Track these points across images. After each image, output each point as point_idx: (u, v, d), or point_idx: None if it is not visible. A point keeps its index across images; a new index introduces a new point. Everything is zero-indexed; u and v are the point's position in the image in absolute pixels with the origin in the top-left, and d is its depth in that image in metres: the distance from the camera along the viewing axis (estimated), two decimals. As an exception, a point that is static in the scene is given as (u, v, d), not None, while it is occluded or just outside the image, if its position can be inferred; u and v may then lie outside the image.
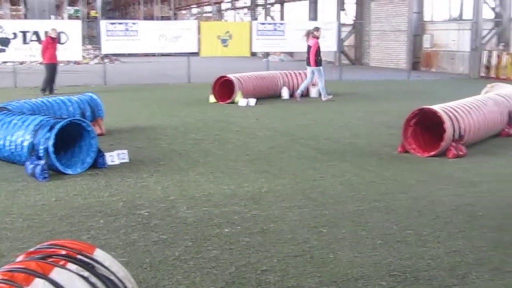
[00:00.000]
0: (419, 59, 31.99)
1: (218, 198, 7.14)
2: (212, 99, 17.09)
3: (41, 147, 8.20)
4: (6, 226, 6.16)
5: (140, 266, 5.05)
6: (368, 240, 5.77)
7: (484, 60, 26.59)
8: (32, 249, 3.38)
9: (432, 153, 9.54)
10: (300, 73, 19.09)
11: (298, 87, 18.47)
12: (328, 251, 5.47)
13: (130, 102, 17.18)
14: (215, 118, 13.90)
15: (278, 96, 18.27)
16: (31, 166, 8.15)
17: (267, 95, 18.04)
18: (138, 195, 7.29)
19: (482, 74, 26.52)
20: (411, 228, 6.10)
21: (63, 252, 3.26)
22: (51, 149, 8.13)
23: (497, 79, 23.79)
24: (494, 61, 26.17)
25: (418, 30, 31.90)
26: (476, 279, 4.87)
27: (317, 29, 18.10)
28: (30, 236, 5.81)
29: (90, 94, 11.86)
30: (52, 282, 2.96)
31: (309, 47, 17.49)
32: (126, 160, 9.05)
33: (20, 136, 8.66)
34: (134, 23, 24.45)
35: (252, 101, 16.55)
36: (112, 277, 3.25)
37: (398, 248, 5.55)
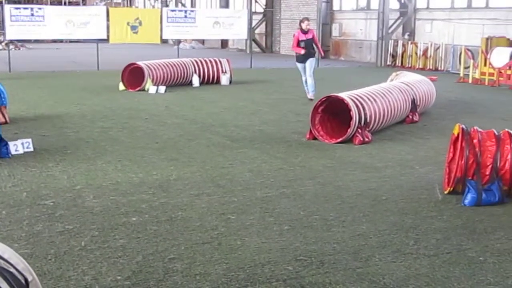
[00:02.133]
0: (328, 48, 32.51)
1: (126, 187, 7.06)
2: (121, 86, 16.83)
3: None
4: None
5: (44, 258, 4.93)
6: (275, 226, 5.85)
7: (390, 49, 27.35)
8: None
9: (339, 139, 9.75)
10: (211, 61, 19.04)
11: (208, 75, 18.45)
12: (236, 237, 5.51)
13: (36, 90, 16.67)
14: (124, 106, 13.69)
15: (188, 83, 18.18)
16: None
17: (177, 82, 17.92)
18: (43, 185, 7.11)
19: (388, 63, 27.28)
20: (318, 214, 6.23)
21: (-41, 245, 3.14)
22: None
23: (403, 67, 24.61)
24: (399, 50, 26.95)
25: (327, 19, 32.42)
26: (379, 262, 5.03)
27: (303, 20, 15.15)
28: None
29: (-8, 81, 11.45)
30: None
31: (309, 39, 14.97)
32: (31, 149, 8.79)
33: None
34: (40, 8, 23.65)
35: (162, 89, 16.41)
36: (12, 269, 3.16)
37: (304, 233, 5.66)
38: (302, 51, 14.85)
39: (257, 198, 6.73)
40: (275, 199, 6.72)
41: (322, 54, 16.42)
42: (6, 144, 8.54)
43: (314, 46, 15.09)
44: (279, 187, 7.19)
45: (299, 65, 15.12)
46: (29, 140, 8.92)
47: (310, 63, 14.92)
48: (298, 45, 14.94)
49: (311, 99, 14.37)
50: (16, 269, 3.18)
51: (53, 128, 10.81)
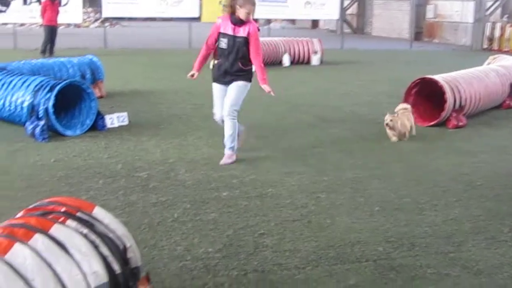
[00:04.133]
0: (421, 30, 31.79)
1: (217, 162, 7.15)
2: (212, 65, 17.00)
3: (41, 107, 8.18)
4: (5, 185, 6.18)
5: (138, 227, 5.07)
6: (366, 206, 5.79)
7: (487, 31, 26.42)
8: (31, 206, 3.40)
9: (432, 122, 9.54)
10: (302, 40, 18.97)
11: (299, 54, 18.40)
12: (325, 216, 5.50)
13: (130, 66, 17.10)
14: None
15: (279, 63, 18.17)
16: (31, 126, 8.15)
17: (268, 62, 17.95)
18: (137, 157, 7.30)
19: (485, 46, 26.40)
20: (409, 196, 6.12)
21: (63, 209, 3.28)
22: (51, 110, 8.12)
23: (500, 51, 23.67)
24: (497, 33, 26.01)
25: (421, 0, 31.66)
26: (472, 247, 4.90)
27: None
28: (29, 195, 5.81)
29: (91, 56, 11.80)
30: (51, 237, 2.98)
31: (238, 39, 8.77)
32: (126, 123, 9.04)
33: (20, 97, 8.63)
34: (134, -14, 24.20)
35: (252, 68, 16.46)
36: (111, 235, 3.27)
37: (395, 215, 5.58)
38: (216, 62, 7.39)
39: (348, 178, 6.68)
40: (366, 180, 6.65)
41: (266, 86, 7.17)
42: (103, 117, 8.82)
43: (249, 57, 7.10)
44: (370, 168, 7.11)
45: (214, 89, 7.42)
46: (125, 114, 9.17)
47: (236, 89, 7.14)
48: (215, 46, 7.28)
49: (226, 163, 7.12)
50: (116, 235, 3.28)
51: (147, 103, 11.07)
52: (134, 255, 3.37)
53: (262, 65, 7.19)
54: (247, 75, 7.20)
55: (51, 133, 8.20)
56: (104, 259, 3.12)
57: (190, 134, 8.64)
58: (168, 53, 21.55)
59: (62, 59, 11.49)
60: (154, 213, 5.45)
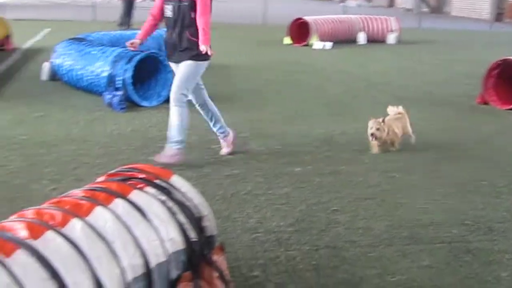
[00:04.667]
0: (503, 10, 30.77)
1: (290, 138, 7.14)
2: (287, 40, 16.96)
3: (119, 78, 8.35)
4: (84, 153, 6.35)
5: (212, 198, 5.12)
6: (441, 188, 5.68)
7: None
8: (112, 171, 3.47)
9: (512, 106, 9.26)
10: (378, 18, 18.67)
11: (375, 33, 18.11)
12: (399, 196, 5.42)
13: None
14: (289, 60, 13.80)
15: (354, 41, 17.95)
16: (109, 96, 8.33)
17: (343, 39, 17.76)
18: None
19: None
20: (486, 179, 5.96)
21: (142, 176, 3.33)
22: (129, 80, 8.27)
23: None
24: None
25: (504, -21, 30.63)
26: (553, 235, 4.74)
27: None
28: (107, 163, 5.96)
29: (167, 29, 11.91)
30: (130, 202, 3.04)
31: (183, 4, 7.09)
32: (201, 96, 9.12)
33: (100, 67, 8.82)
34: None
35: (328, 45, 16.34)
36: (188, 203, 3.31)
37: (471, 198, 5.45)
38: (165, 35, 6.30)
39: (423, 158, 6.57)
40: (442, 161, 6.52)
41: (204, 47, 5.89)
42: (178, 89, 8.91)
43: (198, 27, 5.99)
44: (446, 149, 6.96)
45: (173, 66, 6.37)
46: (200, 87, 9.24)
47: (184, 69, 6.07)
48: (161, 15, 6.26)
49: (165, 162, 5.82)
50: (192, 203, 3.32)
51: (220, 78, 11.12)
52: (210, 224, 3.41)
53: (206, 27, 5.90)
54: (198, 51, 5.91)
55: (128, 103, 8.36)
56: (180, 226, 3.17)
57: (263, 108, 8.66)
58: (241, 28, 21.60)
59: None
60: (228, 185, 5.49)
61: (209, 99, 6.53)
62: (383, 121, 6.73)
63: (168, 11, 6.06)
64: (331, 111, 8.66)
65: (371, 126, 6.65)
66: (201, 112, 6.48)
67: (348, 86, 10.74)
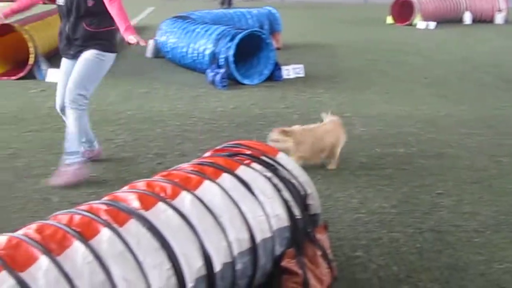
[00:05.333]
0: None
1: (393, 119, 7.01)
2: (389, 20, 16.63)
3: (222, 56, 8.43)
4: (188, 128, 6.48)
5: (314, 177, 5.09)
6: (552, 174, 5.43)
7: None
8: (219, 147, 3.52)
9: None
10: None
11: (481, 12, 17.46)
12: (507, 181, 5.21)
13: (305, 20, 17.14)
14: (391, 40, 13.54)
15: (459, 20, 17.38)
16: (212, 74, 8.44)
17: (447, 19, 17.22)
18: (313, 109, 7.33)
19: None
20: None
21: (248, 152, 3.36)
22: (231, 58, 8.34)
23: None
24: None
25: None
26: None
27: None
28: (210, 139, 6.05)
29: (269, 8, 11.94)
30: (237, 177, 3.07)
31: None
32: (302, 75, 9.12)
33: (203, 45, 8.95)
34: None
35: (432, 24, 15.90)
36: (293, 181, 3.31)
37: None
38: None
39: (533, 143, 6.30)
40: (554, 146, 6.23)
41: (133, 37, 4.76)
42: (280, 68, 8.94)
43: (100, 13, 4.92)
44: (558, 134, 6.65)
45: (61, 65, 5.20)
46: (301, 66, 9.23)
47: (82, 64, 4.92)
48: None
49: (57, 183, 4.83)
50: (298, 181, 3.32)
51: (322, 57, 11.06)
52: (314, 202, 3.41)
53: (121, 8, 4.79)
54: (100, 42, 4.96)
55: (230, 81, 8.45)
56: (286, 203, 3.17)
57: (365, 88, 8.53)
58: (342, 8, 21.34)
59: (242, 10, 11.73)
60: (330, 165, 5.47)
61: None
62: (284, 131, 5.16)
63: None
64: (435, 92, 8.43)
65: (272, 135, 5.16)
66: (64, 117, 5.12)
67: (452, 67, 10.42)
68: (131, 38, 4.74)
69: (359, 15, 18.52)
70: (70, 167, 4.90)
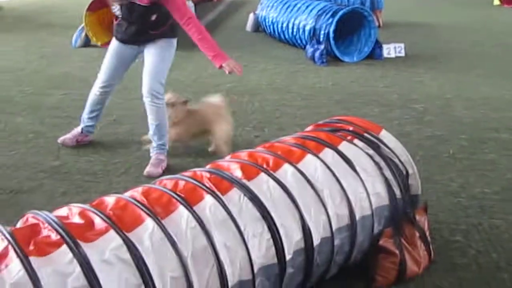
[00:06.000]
0: None
1: (496, 103, 6.76)
2: (496, 1, 16.00)
3: (322, 32, 8.37)
4: (286, 103, 6.49)
5: (413, 158, 4.99)
6: None
7: None
8: (321, 122, 3.51)
9: None
10: None
11: None
12: None
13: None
14: (498, 21, 13.02)
15: None
16: (311, 50, 8.39)
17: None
18: (413, 89, 7.18)
19: None
20: None
21: (351, 128, 3.33)
22: (331, 35, 8.26)
23: None
24: None
25: None
26: None
27: None
28: (308, 114, 6.04)
29: (371, -15, 11.72)
30: (339, 153, 3.05)
31: None
32: (402, 54, 8.93)
33: (303, 20, 8.91)
34: None
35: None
36: (395, 159, 3.26)
37: None
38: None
39: None
40: None
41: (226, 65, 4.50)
42: (380, 46, 8.79)
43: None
44: None
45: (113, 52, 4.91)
46: (402, 45, 9.04)
47: (157, 55, 4.68)
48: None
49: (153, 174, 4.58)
50: (400, 160, 3.26)
51: (424, 37, 10.78)
52: (415, 183, 3.35)
53: (201, 32, 4.47)
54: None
55: (329, 57, 8.38)
56: (387, 182, 3.14)
57: (468, 70, 8.26)
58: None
59: (344, -14, 11.58)
60: (429, 147, 5.34)
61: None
62: (172, 104, 4.86)
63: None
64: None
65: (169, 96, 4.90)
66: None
67: None
68: (224, 67, 4.48)
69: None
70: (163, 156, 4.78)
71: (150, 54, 4.67)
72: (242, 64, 7.98)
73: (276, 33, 9.74)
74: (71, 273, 2.05)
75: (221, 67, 4.48)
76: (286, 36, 9.38)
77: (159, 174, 4.54)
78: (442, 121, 6.06)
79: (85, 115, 5.12)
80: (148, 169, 4.65)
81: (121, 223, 2.29)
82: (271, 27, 9.89)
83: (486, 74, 8.13)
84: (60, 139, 5.14)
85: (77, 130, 5.16)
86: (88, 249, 2.13)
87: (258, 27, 10.61)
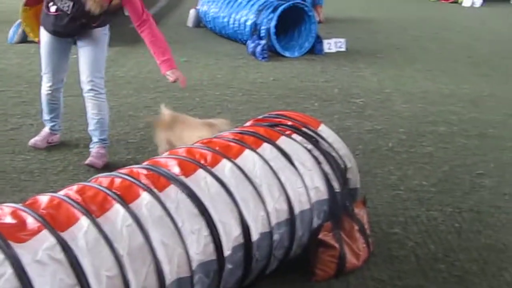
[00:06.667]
0: None
1: (435, 97, 6.90)
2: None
3: (263, 27, 8.37)
4: (227, 98, 6.47)
5: (352, 152, 5.00)
6: None
7: None
8: (260, 117, 3.50)
9: None
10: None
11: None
12: (551, 164, 5.11)
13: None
14: (435, 17, 13.28)
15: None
16: (252, 45, 8.38)
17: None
18: (354, 84, 7.26)
19: None
20: None
21: (289, 123, 3.33)
22: (273, 30, 8.27)
23: None
24: None
25: None
26: None
27: None
28: (249, 110, 6.04)
29: (312, -20, 11.78)
30: (278, 148, 3.05)
31: None
32: (343, 49, 9.01)
33: (244, 15, 8.89)
34: None
35: (478, 2, 15.55)
36: (334, 154, 3.28)
37: None
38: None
39: None
40: None
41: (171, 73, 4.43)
42: (321, 41, 8.84)
43: None
44: None
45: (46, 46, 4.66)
46: (342, 40, 9.12)
47: (95, 46, 4.52)
48: None
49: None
50: (338, 154, 3.29)
51: (365, 32, 10.91)
52: (354, 177, 3.38)
53: (155, 35, 4.53)
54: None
55: (271, 53, 8.39)
56: (325, 176, 3.15)
57: (407, 66, 8.40)
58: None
59: (284, -18, 11.61)
60: (369, 140, 5.40)
61: None
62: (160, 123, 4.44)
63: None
64: (478, 71, 8.27)
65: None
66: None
67: (498, 46, 10.19)
68: (169, 75, 4.39)
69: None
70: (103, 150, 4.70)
71: (87, 46, 4.50)
72: (183, 60, 8.05)
73: (217, 28, 9.70)
74: (2, 274, 1.99)
75: (166, 74, 4.41)
76: (227, 31, 9.35)
77: (100, 166, 4.51)
78: (382, 115, 6.15)
79: (45, 116, 4.91)
80: (90, 159, 4.57)
81: (55, 222, 2.24)
82: (212, 22, 9.84)
83: (424, 68, 8.29)
84: (31, 142, 4.89)
85: (45, 131, 4.97)
86: (20, 249, 2.07)
87: (199, 22, 10.55)
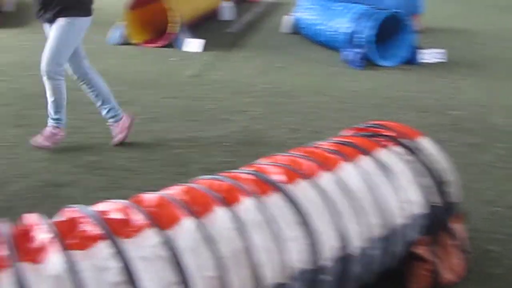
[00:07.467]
0: None
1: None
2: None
3: (362, 35, 8.32)
4: (321, 106, 6.48)
5: (449, 165, 4.97)
6: None
7: None
8: (358, 126, 3.49)
9: None
10: None
11: None
12: None
13: (450, 3, 16.49)
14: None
15: None
16: (348, 53, 8.35)
17: None
18: (451, 95, 7.12)
19: None
20: None
21: (388, 133, 3.31)
22: (372, 38, 8.22)
23: None
24: None
25: None
26: None
27: None
28: (343, 118, 6.02)
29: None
30: (377, 160, 3.03)
31: None
32: (443, 60, 8.83)
33: (340, 23, 8.86)
34: None
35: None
36: (434, 166, 3.23)
37: None
38: None
39: None
40: None
41: None
42: (418, 51, 8.72)
43: None
44: None
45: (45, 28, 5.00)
46: (442, 50, 8.95)
47: (55, 35, 4.75)
48: None
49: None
50: (438, 167, 3.24)
51: (465, 43, 10.64)
52: (454, 191, 3.31)
53: None
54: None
55: (366, 61, 8.34)
56: (424, 189, 3.11)
57: (508, 78, 8.14)
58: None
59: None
60: (465, 154, 5.28)
61: (92, 71, 5.06)
62: None
63: None
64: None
65: None
66: (83, 88, 5.10)
67: None
68: None
69: (510, 1, 17.60)
70: (50, 131, 4.98)
71: (51, 34, 4.77)
72: (278, 66, 8.11)
73: (313, 35, 9.73)
74: (110, 268, 2.07)
75: None
76: (323, 38, 9.35)
77: (46, 147, 4.92)
78: (479, 128, 6.00)
79: (50, 109, 5.01)
80: (37, 139, 4.94)
81: (159, 221, 2.31)
82: (308, 28, 9.88)
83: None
84: (33, 142, 4.99)
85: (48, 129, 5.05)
86: (127, 244, 2.15)
87: (294, 29, 10.60)
